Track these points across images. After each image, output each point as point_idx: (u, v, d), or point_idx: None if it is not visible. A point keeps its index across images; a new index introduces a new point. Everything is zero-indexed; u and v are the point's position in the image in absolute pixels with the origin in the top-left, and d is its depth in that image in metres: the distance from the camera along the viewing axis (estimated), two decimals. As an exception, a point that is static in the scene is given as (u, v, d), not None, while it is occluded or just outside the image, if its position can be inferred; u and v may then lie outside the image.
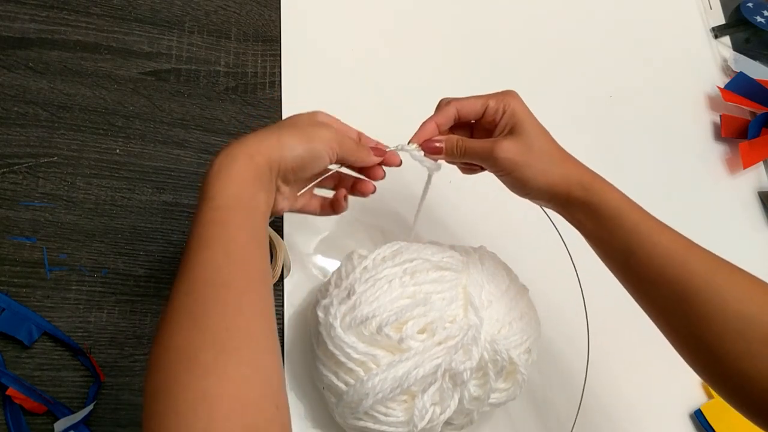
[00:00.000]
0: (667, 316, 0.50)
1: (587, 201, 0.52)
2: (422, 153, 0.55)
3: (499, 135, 0.54)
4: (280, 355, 0.41)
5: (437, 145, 0.55)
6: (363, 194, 0.56)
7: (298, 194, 0.52)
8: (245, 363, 0.38)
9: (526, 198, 0.55)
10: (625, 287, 0.53)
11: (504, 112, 0.54)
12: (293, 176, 0.49)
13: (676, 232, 0.51)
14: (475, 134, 0.58)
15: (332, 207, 0.56)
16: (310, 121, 0.51)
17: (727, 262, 0.49)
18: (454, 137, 0.56)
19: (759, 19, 0.97)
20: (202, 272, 0.41)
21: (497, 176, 0.55)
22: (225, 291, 0.40)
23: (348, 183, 0.56)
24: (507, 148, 0.53)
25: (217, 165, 0.45)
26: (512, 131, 0.54)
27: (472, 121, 0.57)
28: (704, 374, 0.49)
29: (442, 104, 0.56)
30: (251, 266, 0.43)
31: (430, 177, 0.58)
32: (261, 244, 0.45)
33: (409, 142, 0.55)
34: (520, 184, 0.54)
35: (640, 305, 0.52)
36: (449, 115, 0.55)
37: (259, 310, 0.42)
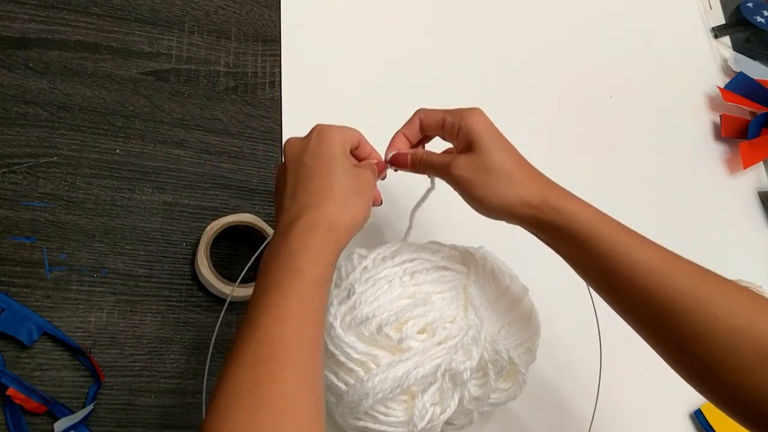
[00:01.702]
0: (655, 334, 0.49)
1: (555, 223, 0.50)
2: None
3: (458, 151, 0.54)
4: None
5: (406, 157, 0.56)
6: (375, 203, 0.55)
7: None
8: None
9: (488, 217, 0.54)
10: (609, 305, 0.51)
11: (460, 129, 0.53)
12: None
13: (656, 246, 0.49)
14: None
15: None
16: (350, 166, 0.50)
17: (712, 274, 0.48)
18: (420, 151, 0.56)
19: (759, 19, 0.97)
20: (273, 350, 0.41)
21: (459, 194, 0.54)
22: (289, 372, 0.40)
23: None
24: (461, 165, 0.52)
25: (311, 241, 0.45)
26: (469, 148, 0.52)
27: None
28: (697, 387, 0.48)
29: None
30: (316, 349, 0.43)
31: (432, 181, 0.58)
32: (324, 323, 0.45)
33: (387, 154, 0.57)
34: (476, 203, 0.52)
35: (625, 321, 0.51)
36: (414, 126, 0.56)
37: (315, 395, 0.41)
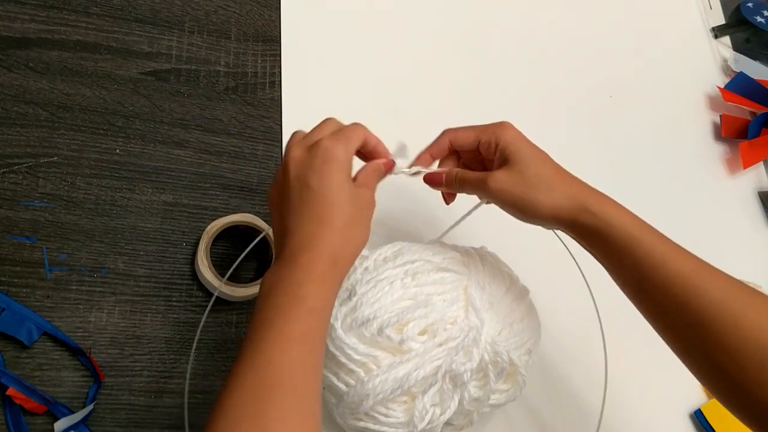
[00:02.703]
0: (684, 344, 0.49)
1: (594, 227, 0.51)
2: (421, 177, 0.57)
3: (495, 167, 0.55)
4: None
5: (439, 176, 0.57)
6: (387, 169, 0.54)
7: None
8: None
9: (528, 223, 0.55)
10: (640, 312, 0.52)
11: (497, 146, 0.54)
12: None
13: (690, 255, 0.49)
14: (480, 166, 0.58)
15: None
16: (352, 187, 0.49)
17: (744, 286, 0.48)
18: (455, 170, 0.57)
19: (759, 19, 0.97)
20: (276, 373, 0.41)
21: (500, 207, 0.55)
22: (291, 397, 0.40)
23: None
24: (499, 179, 0.53)
25: (315, 274, 0.45)
26: (506, 162, 0.53)
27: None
28: (723, 400, 0.48)
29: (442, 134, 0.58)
30: (318, 375, 0.43)
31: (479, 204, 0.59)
32: (324, 349, 0.46)
33: (410, 166, 0.57)
34: (519, 213, 0.53)
35: (655, 330, 0.51)
36: (442, 147, 0.57)
37: (316, 419, 0.42)
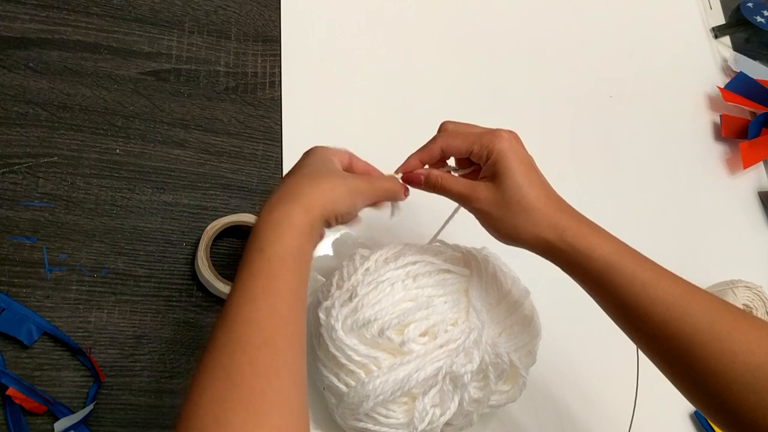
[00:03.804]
0: (671, 368, 0.49)
1: (571, 259, 0.50)
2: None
3: (482, 177, 0.54)
4: (308, 417, 0.41)
5: (419, 177, 0.55)
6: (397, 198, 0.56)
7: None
8: (274, 429, 0.38)
9: (510, 246, 0.54)
10: (631, 340, 0.51)
11: (488, 157, 0.52)
12: (335, 223, 0.49)
13: (675, 280, 0.49)
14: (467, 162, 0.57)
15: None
16: (339, 171, 0.51)
17: (729, 307, 0.48)
18: (435, 172, 0.55)
19: (759, 19, 0.97)
20: (245, 329, 0.40)
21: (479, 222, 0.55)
22: (264, 351, 0.40)
23: None
24: (481, 197, 0.52)
25: (274, 217, 0.45)
26: (494, 177, 0.52)
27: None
28: (716, 421, 0.48)
29: (440, 129, 0.56)
30: (292, 325, 0.42)
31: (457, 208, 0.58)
32: (303, 300, 0.44)
33: (395, 172, 0.56)
34: (493, 232, 0.53)
35: (647, 357, 0.51)
36: (433, 154, 0.55)
37: (294, 372, 0.41)
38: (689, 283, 0.49)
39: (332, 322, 0.54)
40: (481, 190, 0.52)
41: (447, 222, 0.60)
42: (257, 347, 0.40)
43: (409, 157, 0.56)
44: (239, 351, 0.39)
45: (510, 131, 0.54)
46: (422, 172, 0.55)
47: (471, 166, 0.57)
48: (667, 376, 0.50)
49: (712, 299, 0.48)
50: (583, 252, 0.49)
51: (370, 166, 0.55)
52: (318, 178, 0.48)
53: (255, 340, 0.40)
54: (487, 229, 0.54)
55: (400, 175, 0.56)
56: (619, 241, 0.51)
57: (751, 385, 0.44)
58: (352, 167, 0.54)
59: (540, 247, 0.52)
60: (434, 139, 0.55)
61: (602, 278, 0.49)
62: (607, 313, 0.52)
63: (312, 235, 0.46)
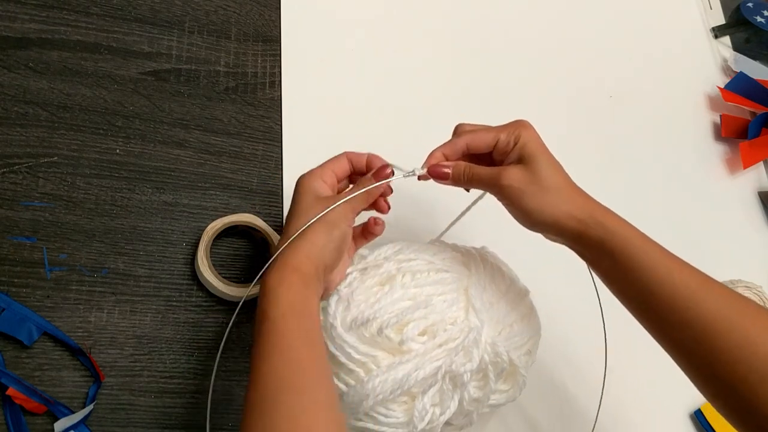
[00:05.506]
0: (688, 357, 0.49)
1: (601, 239, 0.50)
2: (428, 177, 0.56)
3: (508, 164, 0.54)
4: None
5: (445, 170, 0.55)
6: (381, 212, 0.57)
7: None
8: None
9: (533, 230, 0.54)
10: (644, 326, 0.51)
11: (515, 144, 0.53)
12: (335, 262, 0.52)
13: (694, 269, 0.49)
14: (484, 163, 0.57)
15: (364, 235, 0.57)
16: (316, 201, 0.52)
17: (748, 300, 0.48)
18: (462, 164, 0.55)
19: (759, 19, 0.97)
20: (269, 381, 0.44)
21: (504, 206, 0.54)
22: (287, 395, 0.43)
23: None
24: (513, 176, 0.52)
25: (269, 287, 0.47)
26: (521, 160, 0.53)
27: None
28: (726, 413, 0.48)
29: (457, 131, 0.56)
30: (307, 367, 0.45)
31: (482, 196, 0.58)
32: (315, 342, 0.47)
33: (423, 166, 0.56)
34: (525, 214, 0.53)
35: (659, 343, 0.51)
36: (457, 149, 0.55)
37: (320, 405, 0.44)
38: (709, 276, 0.49)
39: (331, 320, 0.54)
40: (513, 170, 0.52)
41: (465, 212, 0.60)
42: (282, 393, 0.44)
43: (432, 152, 0.56)
44: (270, 400, 0.43)
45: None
46: (448, 164, 0.55)
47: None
48: (681, 366, 0.50)
49: (732, 291, 0.48)
50: (613, 231, 0.50)
51: (373, 155, 0.56)
52: (302, 235, 0.50)
53: (279, 387, 0.44)
54: (513, 212, 0.54)
55: (422, 169, 0.55)
56: (639, 230, 0.51)
57: (766, 378, 0.44)
58: (354, 167, 0.56)
59: (570, 226, 0.51)
60: (457, 135, 0.56)
61: (628, 259, 0.49)
62: (625, 299, 0.52)
63: (310, 290, 0.49)
